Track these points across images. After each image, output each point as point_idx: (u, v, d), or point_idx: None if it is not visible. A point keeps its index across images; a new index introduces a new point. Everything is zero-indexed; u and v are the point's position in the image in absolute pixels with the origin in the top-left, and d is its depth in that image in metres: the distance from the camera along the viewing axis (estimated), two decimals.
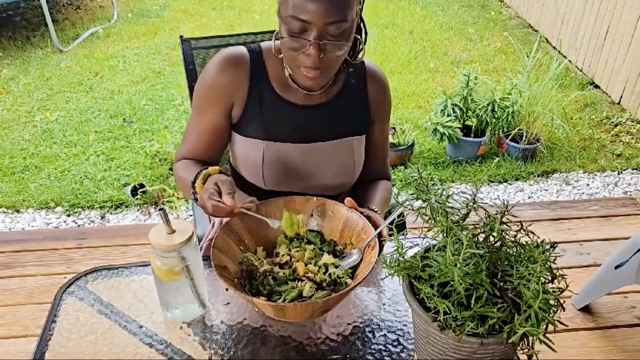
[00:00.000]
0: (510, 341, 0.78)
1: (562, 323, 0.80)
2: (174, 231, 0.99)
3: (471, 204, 0.88)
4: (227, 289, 1.15)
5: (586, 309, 2.07)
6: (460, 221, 0.87)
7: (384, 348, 1.02)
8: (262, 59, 1.24)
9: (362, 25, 1.19)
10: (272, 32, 1.54)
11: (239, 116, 1.25)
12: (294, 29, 1.06)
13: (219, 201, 1.03)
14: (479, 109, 3.01)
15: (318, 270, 1.09)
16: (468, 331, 0.81)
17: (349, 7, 1.06)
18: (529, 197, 2.89)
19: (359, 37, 1.20)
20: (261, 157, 1.24)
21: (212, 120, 1.24)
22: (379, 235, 1.10)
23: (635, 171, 3.10)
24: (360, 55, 1.23)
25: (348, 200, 1.14)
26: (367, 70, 1.30)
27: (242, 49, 1.23)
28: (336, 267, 1.10)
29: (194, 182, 1.12)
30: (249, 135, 1.25)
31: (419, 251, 0.94)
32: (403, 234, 1.49)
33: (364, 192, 1.35)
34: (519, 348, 0.82)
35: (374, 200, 1.28)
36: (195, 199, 1.12)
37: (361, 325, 1.07)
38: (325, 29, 1.05)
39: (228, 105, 1.24)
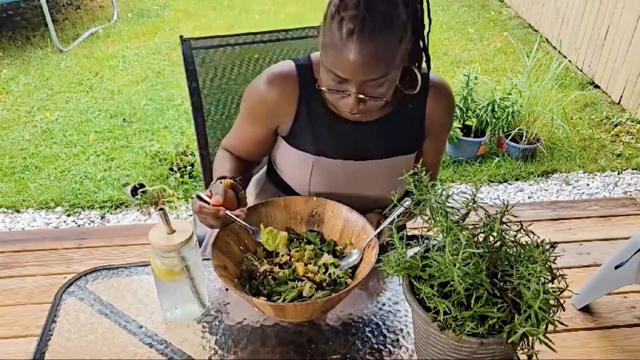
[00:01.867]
0: (510, 341, 0.78)
1: (562, 323, 0.80)
2: (174, 231, 0.99)
3: (471, 204, 0.88)
4: (227, 289, 1.15)
5: (586, 309, 2.07)
6: (460, 221, 0.87)
7: (384, 348, 1.02)
8: (312, 71, 1.19)
9: (423, 54, 1.15)
10: (272, 32, 1.53)
11: (287, 130, 1.23)
12: (332, 81, 1.05)
13: (206, 202, 1.05)
14: (479, 109, 3.01)
15: (318, 270, 1.09)
16: (468, 331, 0.81)
17: (389, 61, 1.02)
18: (529, 197, 2.89)
19: (414, 67, 1.13)
20: (310, 171, 1.23)
21: (257, 132, 1.26)
22: (379, 235, 1.10)
23: (635, 171, 3.10)
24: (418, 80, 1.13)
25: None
26: (431, 83, 1.23)
27: (290, 65, 1.20)
28: (336, 267, 1.10)
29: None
30: (299, 147, 1.24)
31: (419, 251, 0.93)
32: (403, 234, 1.49)
33: None
34: (519, 348, 0.82)
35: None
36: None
37: (361, 325, 1.07)
38: (364, 84, 1.03)
39: (274, 124, 1.24)
